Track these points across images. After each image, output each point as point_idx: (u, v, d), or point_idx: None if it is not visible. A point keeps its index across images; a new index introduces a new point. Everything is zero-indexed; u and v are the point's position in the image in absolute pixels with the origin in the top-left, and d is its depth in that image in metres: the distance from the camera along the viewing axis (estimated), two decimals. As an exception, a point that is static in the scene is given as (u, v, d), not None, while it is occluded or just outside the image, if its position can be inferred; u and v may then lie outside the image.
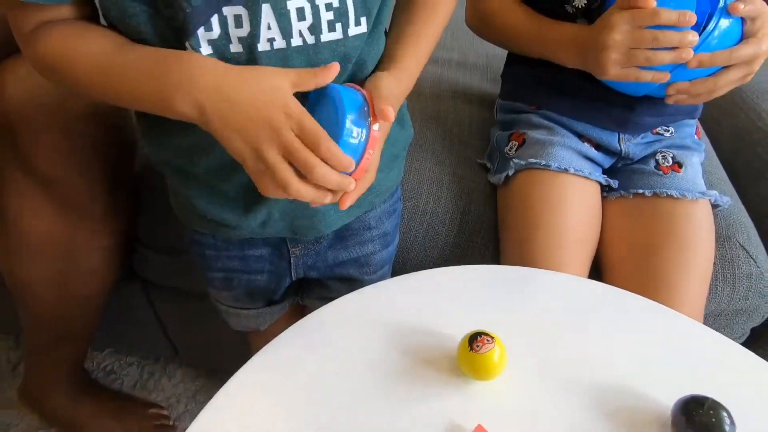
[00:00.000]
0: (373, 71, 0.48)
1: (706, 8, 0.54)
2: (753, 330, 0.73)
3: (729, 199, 0.69)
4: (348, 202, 0.44)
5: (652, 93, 0.62)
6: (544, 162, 0.66)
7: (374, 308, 0.49)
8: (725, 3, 0.54)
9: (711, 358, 0.47)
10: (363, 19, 0.43)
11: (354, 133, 0.42)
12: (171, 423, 0.92)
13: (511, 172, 0.68)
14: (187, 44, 0.39)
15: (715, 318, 0.69)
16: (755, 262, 0.67)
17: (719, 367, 0.46)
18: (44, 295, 0.70)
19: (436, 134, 0.81)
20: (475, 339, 0.43)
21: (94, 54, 0.40)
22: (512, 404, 0.42)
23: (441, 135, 0.81)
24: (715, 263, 0.67)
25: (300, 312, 0.68)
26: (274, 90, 0.39)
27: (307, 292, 0.67)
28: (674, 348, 0.47)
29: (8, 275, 0.70)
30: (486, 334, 0.43)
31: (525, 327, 0.47)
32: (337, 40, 0.42)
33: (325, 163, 0.40)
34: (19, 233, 0.63)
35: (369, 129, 0.43)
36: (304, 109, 0.40)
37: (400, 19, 0.50)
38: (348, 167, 0.41)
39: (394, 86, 0.45)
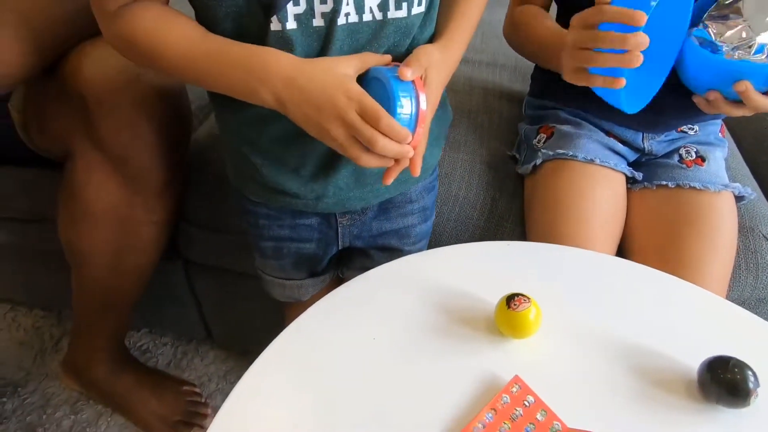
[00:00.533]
0: None
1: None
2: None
3: (753, 191, 0.72)
4: (417, 168, 0.49)
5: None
6: (571, 153, 0.69)
7: (415, 274, 0.53)
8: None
9: (734, 326, 0.49)
10: (424, 1, 0.49)
11: (405, 108, 0.46)
12: (203, 400, 0.96)
13: (538, 161, 0.71)
14: (274, 18, 0.44)
15: (742, 305, 0.70)
16: (778, 252, 0.69)
17: (742, 334, 0.48)
18: (99, 264, 0.75)
19: (469, 127, 0.85)
20: (512, 299, 0.46)
21: (182, 41, 0.46)
22: (547, 360, 0.46)
23: (473, 128, 0.85)
24: (738, 253, 0.69)
25: (340, 285, 0.72)
26: (339, 77, 0.45)
27: (348, 264, 0.71)
28: (698, 317, 0.50)
29: (67, 243, 0.75)
30: (523, 295, 0.46)
31: (557, 295, 0.50)
32: (401, 18, 0.48)
33: (386, 136, 0.44)
34: (85, 203, 0.69)
35: (418, 104, 0.47)
36: (363, 91, 0.45)
37: (446, 2, 0.56)
38: (405, 139, 0.46)
39: (438, 55, 0.50)
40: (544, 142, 0.74)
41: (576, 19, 0.53)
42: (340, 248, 0.66)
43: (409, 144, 0.47)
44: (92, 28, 0.51)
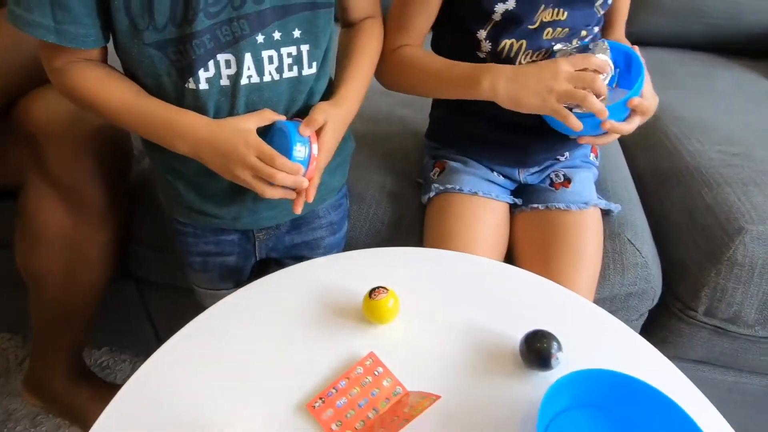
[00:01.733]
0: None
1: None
2: (651, 312, 0.85)
3: (619, 206, 0.83)
4: (311, 197, 0.62)
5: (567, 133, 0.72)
6: (458, 187, 0.80)
7: (308, 276, 0.63)
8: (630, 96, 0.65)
9: (552, 304, 0.60)
10: (314, 64, 0.62)
11: (300, 152, 0.60)
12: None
13: (432, 194, 0.83)
14: (190, 79, 0.56)
15: (611, 301, 0.81)
16: (640, 253, 0.80)
17: (560, 314, 0.59)
18: (52, 283, 0.84)
19: (384, 153, 0.96)
20: (374, 290, 0.56)
21: (117, 100, 0.58)
22: (401, 340, 0.56)
23: (388, 154, 0.96)
24: (607, 256, 0.80)
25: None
26: (240, 131, 0.58)
27: (267, 272, 0.81)
28: (525, 298, 0.61)
29: (23, 266, 0.84)
30: (383, 287, 0.56)
31: (418, 288, 0.60)
32: (295, 77, 0.61)
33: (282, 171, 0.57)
34: (37, 228, 0.79)
35: (311, 149, 0.60)
36: (260, 140, 0.58)
37: (340, 63, 0.69)
38: (298, 172, 0.59)
39: (333, 110, 0.62)
40: (438, 176, 0.85)
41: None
42: (258, 260, 0.76)
43: (303, 177, 0.59)
44: (44, 74, 0.61)
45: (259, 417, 0.49)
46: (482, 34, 0.72)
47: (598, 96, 0.65)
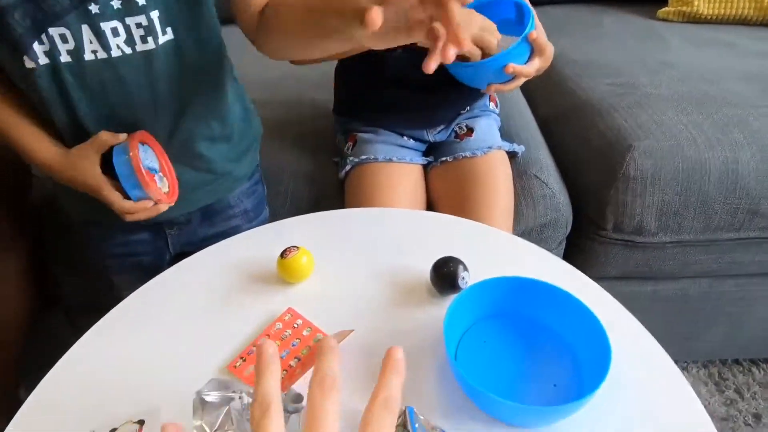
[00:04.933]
0: None
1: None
2: (568, 239, 0.90)
3: (522, 146, 0.88)
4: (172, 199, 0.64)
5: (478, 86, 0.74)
6: (372, 156, 0.83)
7: (229, 250, 0.63)
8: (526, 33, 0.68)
9: (466, 238, 0.63)
10: (168, 30, 0.57)
11: (135, 185, 0.60)
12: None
13: (348, 168, 0.85)
14: (25, 57, 0.54)
15: (528, 234, 0.86)
16: (547, 185, 0.85)
17: (471, 243, 0.62)
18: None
19: (297, 135, 0.97)
20: (285, 250, 0.57)
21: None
22: (318, 293, 0.57)
23: (301, 136, 0.98)
24: (518, 193, 0.85)
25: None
26: (84, 169, 0.59)
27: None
28: (435, 232, 0.63)
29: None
30: (295, 247, 0.58)
31: (333, 245, 0.62)
32: (151, 50, 0.56)
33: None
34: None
35: (157, 165, 0.62)
36: (100, 180, 0.59)
37: None
38: (137, 209, 0.62)
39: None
40: (351, 150, 0.88)
41: None
42: (173, 255, 0.75)
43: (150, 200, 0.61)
44: None
45: (182, 386, 0.49)
46: None
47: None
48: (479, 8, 0.76)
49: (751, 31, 1.25)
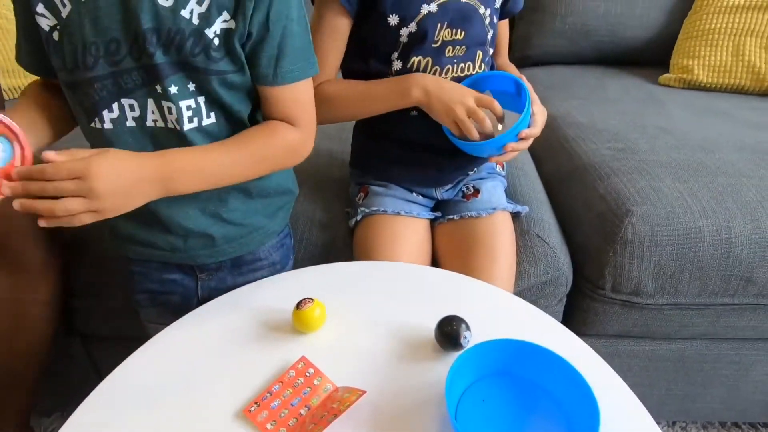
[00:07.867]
0: None
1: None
2: (568, 296, 0.94)
3: (527, 207, 0.93)
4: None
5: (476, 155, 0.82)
6: (382, 208, 0.88)
7: (248, 298, 0.68)
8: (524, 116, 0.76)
9: (468, 297, 0.67)
10: (212, 114, 0.65)
11: None
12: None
13: (359, 218, 0.90)
14: (96, 119, 0.62)
15: (530, 292, 0.90)
16: (548, 244, 0.90)
17: (473, 302, 0.66)
18: (-5, 348, 0.84)
19: (314, 185, 1.03)
20: (300, 302, 0.62)
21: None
22: (330, 344, 0.61)
23: (318, 186, 1.03)
24: (521, 252, 0.89)
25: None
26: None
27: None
28: (438, 291, 0.68)
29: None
30: (309, 298, 0.62)
31: (344, 297, 0.67)
32: (195, 128, 0.64)
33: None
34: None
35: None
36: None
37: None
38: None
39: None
40: (362, 200, 0.93)
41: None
42: (200, 299, 0.80)
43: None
44: None
45: (198, 427, 0.52)
46: (395, 55, 0.82)
47: (495, 115, 0.79)
48: (480, 80, 0.84)
49: (746, 101, 1.32)
